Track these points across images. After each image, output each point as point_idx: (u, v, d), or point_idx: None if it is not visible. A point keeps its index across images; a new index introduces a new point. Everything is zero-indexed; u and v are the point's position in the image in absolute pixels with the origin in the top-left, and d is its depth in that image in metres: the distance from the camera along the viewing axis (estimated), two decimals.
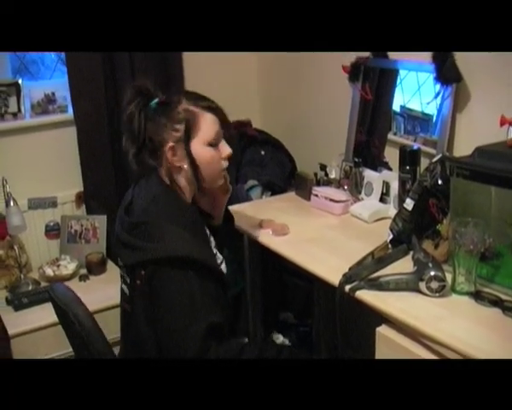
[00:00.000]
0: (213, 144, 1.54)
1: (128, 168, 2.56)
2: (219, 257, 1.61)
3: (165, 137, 1.50)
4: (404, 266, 1.55)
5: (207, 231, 1.59)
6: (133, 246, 1.44)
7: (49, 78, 2.72)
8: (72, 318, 1.41)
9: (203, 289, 1.40)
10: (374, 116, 2.31)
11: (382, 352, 1.40)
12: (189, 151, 1.51)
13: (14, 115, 2.48)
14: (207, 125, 1.52)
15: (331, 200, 2.08)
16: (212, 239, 1.60)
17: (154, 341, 1.43)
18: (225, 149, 1.57)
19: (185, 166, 1.52)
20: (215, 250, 1.60)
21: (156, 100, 1.52)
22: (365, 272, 1.52)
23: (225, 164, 1.59)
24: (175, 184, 1.53)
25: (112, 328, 1.64)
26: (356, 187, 2.14)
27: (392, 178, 2.01)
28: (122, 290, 1.54)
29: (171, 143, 1.50)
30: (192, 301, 1.38)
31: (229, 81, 2.84)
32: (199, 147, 1.52)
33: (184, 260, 1.38)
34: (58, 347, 1.98)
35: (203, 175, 1.54)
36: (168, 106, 1.51)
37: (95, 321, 1.44)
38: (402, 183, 1.89)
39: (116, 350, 1.55)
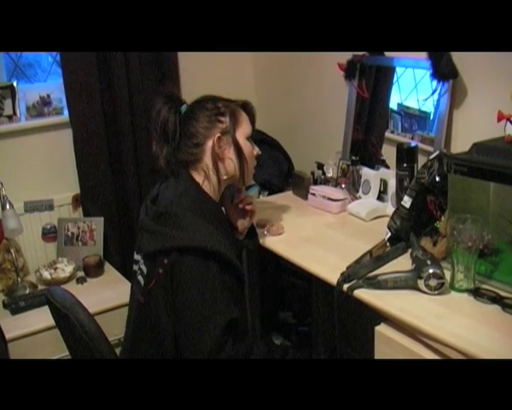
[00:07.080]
0: (250, 140, 1.62)
1: (125, 170, 2.61)
2: None
3: (211, 129, 1.55)
4: (402, 264, 1.55)
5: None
6: (157, 232, 1.45)
7: (44, 80, 2.70)
8: (75, 321, 1.39)
9: (224, 282, 1.41)
10: (371, 114, 2.31)
11: (381, 351, 1.39)
12: (237, 141, 1.58)
13: (10, 118, 2.47)
14: (245, 120, 1.62)
15: (328, 198, 2.07)
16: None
17: (171, 331, 1.42)
18: (256, 148, 1.65)
19: (231, 157, 1.57)
20: None
21: (185, 103, 1.60)
22: (363, 270, 1.52)
23: (255, 162, 1.66)
24: (207, 182, 1.56)
25: (110, 330, 1.63)
26: (353, 185, 2.13)
27: (390, 175, 2.01)
28: (138, 283, 1.53)
29: (218, 134, 1.55)
30: (213, 293, 1.38)
31: (225, 81, 2.80)
32: (242, 139, 1.59)
33: (208, 252, 1.39)
34: (56, 350, 1.98)
35: (246, 167, 1.60)
36: (204, 103, 1.58)
37: (97, 324, 1.42)
38: (399, 180, 1.88)
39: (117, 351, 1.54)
